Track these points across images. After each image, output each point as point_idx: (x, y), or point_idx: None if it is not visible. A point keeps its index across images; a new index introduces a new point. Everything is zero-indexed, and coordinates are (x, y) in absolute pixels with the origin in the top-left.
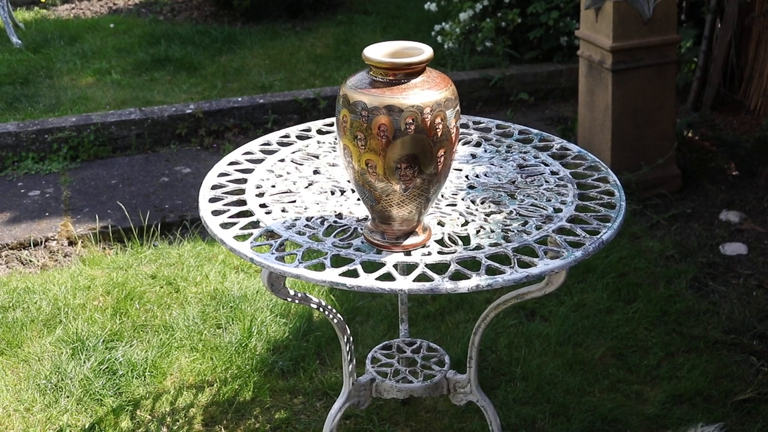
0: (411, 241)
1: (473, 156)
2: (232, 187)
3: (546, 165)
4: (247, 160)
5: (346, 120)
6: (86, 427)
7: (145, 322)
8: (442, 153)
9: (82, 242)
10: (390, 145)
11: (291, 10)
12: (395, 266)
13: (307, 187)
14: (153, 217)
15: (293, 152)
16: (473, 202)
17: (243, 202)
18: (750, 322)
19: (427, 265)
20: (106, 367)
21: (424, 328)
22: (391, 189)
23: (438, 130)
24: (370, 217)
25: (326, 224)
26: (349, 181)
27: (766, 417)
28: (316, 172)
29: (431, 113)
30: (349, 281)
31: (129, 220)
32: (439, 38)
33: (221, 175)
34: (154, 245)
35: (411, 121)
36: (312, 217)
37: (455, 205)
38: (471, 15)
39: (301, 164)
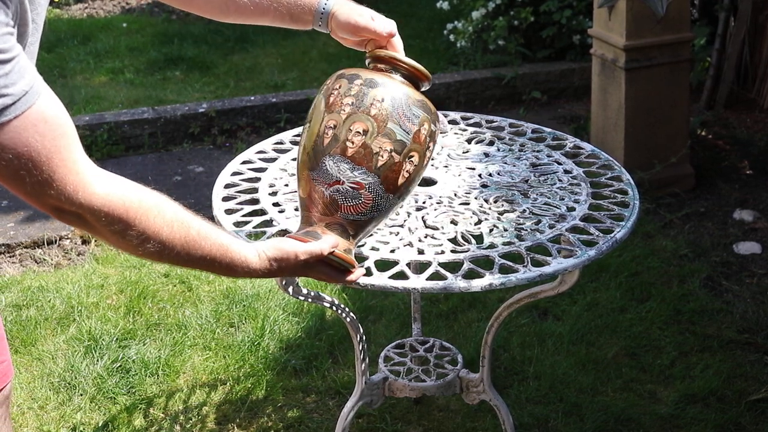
0: None
1: (486, 155)
2: (246, 185)
3: (559, 164)
4: (261, 159)
5: None
6: (99, 425)
7: (158, 320)
8: None
9: (95, 241)
10: None
11: None
12: (408, 265)
13: None
14: None
15: None
16: (486, 200)
17: (256, 201)
18: (764, 321)
19: (440, 264)
20: (120, 366)
21: (437, 327)
22: None
23: None
24: None
25: None
26: None
27: None
28: None
29: None
30: (362, 279)
31: None
32: (451, 37)
33: (234, 173)
34: None
35: None
36: None
37: (468, 203)
38: (483, 13)
39: None
